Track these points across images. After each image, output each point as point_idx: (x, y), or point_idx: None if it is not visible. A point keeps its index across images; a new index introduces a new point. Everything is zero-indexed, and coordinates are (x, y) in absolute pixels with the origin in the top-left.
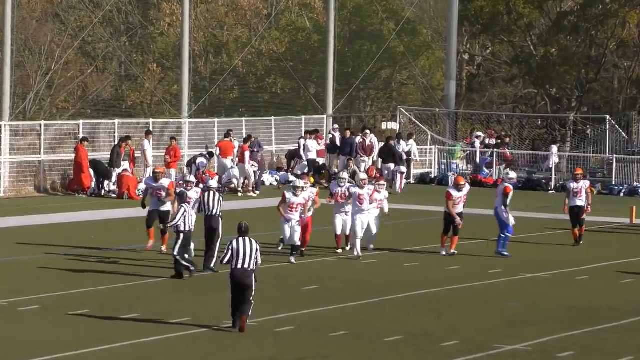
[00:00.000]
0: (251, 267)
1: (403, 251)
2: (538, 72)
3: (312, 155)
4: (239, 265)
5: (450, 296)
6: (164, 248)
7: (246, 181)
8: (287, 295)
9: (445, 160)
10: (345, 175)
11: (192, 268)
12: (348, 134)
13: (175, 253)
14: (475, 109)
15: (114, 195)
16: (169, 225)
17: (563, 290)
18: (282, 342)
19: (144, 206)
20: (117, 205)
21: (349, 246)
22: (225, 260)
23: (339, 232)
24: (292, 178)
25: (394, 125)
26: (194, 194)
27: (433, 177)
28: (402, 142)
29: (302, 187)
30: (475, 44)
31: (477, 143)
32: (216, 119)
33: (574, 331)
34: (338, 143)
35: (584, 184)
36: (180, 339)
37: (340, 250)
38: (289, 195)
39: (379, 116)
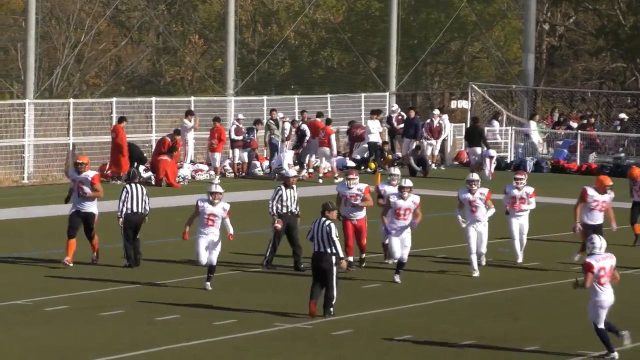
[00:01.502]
0: (329, 251)
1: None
2: (627, 43)
3: (374, 137)
4: (316, 249)
5: (529, 296)
6: (67, 259)
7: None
8: (346, 294)
9: (522, 144)
10: (397, 171)
11: (128, 263)
12: (412, 114)
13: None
14: (557, 85)
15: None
16: (118, 216)
17: None
18: (340, 346)
19: (67, 201)
20: (153, 194)
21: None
22: (308, 237)
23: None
24: (350, 163)
25: (464, 104)
26: (219, 209)
27: (509, 162)
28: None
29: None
30: (557, 13)
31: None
32: (265, 97)
33: None
34: (395, 124)
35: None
36: (225, 343)
37: (389, 261)
38: (393, 200)
39: (447, 94)
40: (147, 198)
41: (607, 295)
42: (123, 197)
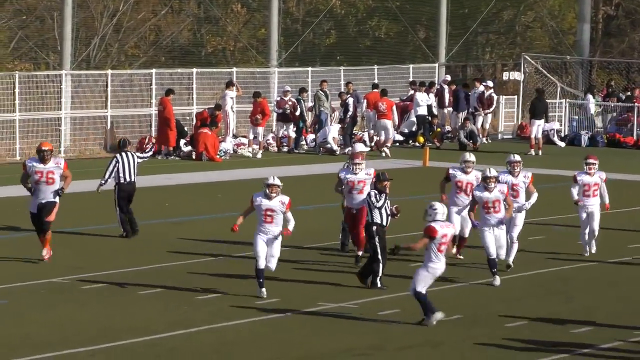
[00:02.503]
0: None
1: (532, 223)
2: None
3: (422, 110)
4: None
5: (582, 275)
6: (45, 253)
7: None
8: (392, 273)
9: (577, 117)
10: (472, 157)
11: (124, 233)
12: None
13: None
14: (613, 56)
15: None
16: (101, 183)
17: None
18: (386, 327)
19: (30, 191)
20: (193, 168)
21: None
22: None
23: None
24: (398, 137)
25: (517, 76)
26: (277, 204)
27: (563, 135)
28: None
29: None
30: None
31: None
32: (310, 68)
33: None
34: (447, 96)
35: None
36: (268, 323)
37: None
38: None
39: (499, 65)
40: (137, 168)
41: (441, 264)
42: (112, 167)
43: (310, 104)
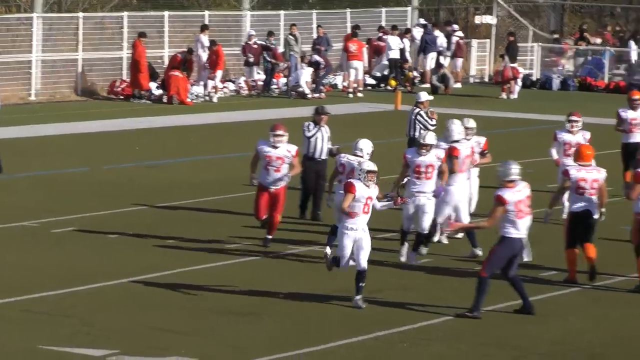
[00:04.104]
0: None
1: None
2: None
3: (394, 54)
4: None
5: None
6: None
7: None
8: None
9: (548, 59)
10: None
11: None
12: (435, 29)
13: None
14: (586, 0)
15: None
16: None
17: None
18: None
19: None
20: (163, 112)
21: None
22: None
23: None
24: (370, 81)
25: (489, 19)
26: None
27: (535, 79)
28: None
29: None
30: None
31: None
32: (282, 12)
33: None
34: (419, 40)
35: None
36: (240, 265)
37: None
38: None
39: (472, 8)
40: None
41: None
42: None
43: (281, 48)
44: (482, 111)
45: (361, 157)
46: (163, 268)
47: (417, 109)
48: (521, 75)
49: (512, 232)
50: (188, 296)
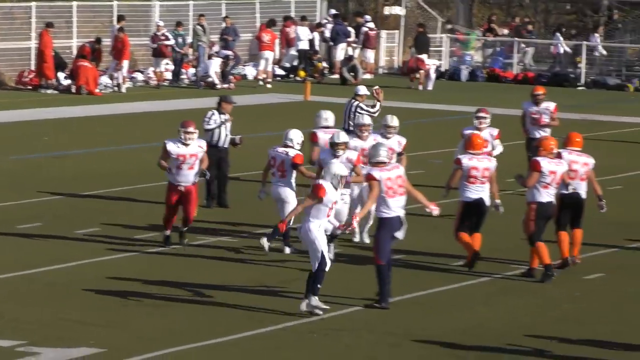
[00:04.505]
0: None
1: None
2: None
3: (304, 45)
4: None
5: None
6: None
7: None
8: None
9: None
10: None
11: None
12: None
13: None
14: None
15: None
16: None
17: None
18: (268, 266)
19: None
20: (72, 102)
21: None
22: None
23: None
24: (279, 71)
25: (398, 10)
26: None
27: (443, 70)
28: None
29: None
30: None
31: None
32: (191, 2)
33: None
34: (328, 33)
35: (548, 106)
36: (149, 258)
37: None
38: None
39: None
40: None
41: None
42: None
43: (189, 38)
44: (393, 102)
45: (292, 147)
46: (72, 259)
47: (356, 102)
48: (429, 67)
49: (386, 212)
50: (97, 287)
